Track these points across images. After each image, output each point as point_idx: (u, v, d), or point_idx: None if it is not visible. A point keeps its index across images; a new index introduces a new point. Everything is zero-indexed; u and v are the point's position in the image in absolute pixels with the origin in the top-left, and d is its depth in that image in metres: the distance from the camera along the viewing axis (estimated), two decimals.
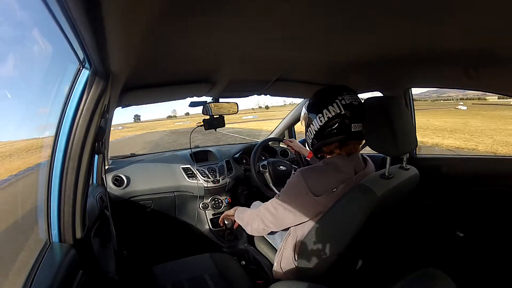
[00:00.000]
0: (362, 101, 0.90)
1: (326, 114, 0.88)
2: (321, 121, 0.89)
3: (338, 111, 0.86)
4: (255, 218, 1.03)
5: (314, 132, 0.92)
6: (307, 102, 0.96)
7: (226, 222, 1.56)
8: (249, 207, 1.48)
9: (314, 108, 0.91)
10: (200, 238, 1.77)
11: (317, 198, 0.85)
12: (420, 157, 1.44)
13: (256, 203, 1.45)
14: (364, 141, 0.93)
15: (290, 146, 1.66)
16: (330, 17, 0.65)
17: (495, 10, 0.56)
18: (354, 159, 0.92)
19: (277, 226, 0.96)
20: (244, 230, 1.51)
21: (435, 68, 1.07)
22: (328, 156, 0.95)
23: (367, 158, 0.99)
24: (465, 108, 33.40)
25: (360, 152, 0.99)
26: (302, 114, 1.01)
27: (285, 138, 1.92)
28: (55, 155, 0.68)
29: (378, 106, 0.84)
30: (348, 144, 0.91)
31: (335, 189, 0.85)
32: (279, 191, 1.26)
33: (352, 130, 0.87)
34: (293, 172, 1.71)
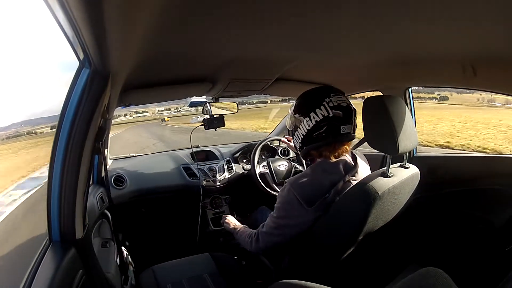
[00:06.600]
0: (351, 102, 0.89)
1: (314, 118, 0.85)
2: (308, 125, 0.87)
3: (326, 114, 0.84)
4: (252, 240, 1.02)
5: (302, 136, 0.90)
6: (293, 104, 0.94)
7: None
8: (249, 207, 1.48)
9: (301, 111, 0.89)
10: (200, 237, 1.77)
11: (310, 208, 0.84)
12: (420, 155, 1.44)
13: (263, 209, 1.43)
14: (352, 141, 0.92)
15: (288, 143, 1.58)
16: (330, 18, 0.65)
17: (494, 11, 0.56)
18: (342, 160, 0.91)
19: (285, 237, 0.94)
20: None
21: (434, 67, 1.07)
22: (317, 160, 0.93)
23: (356, 154, 0.96)
24: None
25: (361, 151, 0.98)
26: (288, 117, 0.99)
27: (285, 136, 1.90)
28: (55, 155, 0.68)
29: (378, 105, 0.84)
30: (337, 147, 0.89)
31: (328, 195, 0.84)
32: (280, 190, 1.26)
33: (341, 132, 0.86)
34: (293, 169, 1.71)
